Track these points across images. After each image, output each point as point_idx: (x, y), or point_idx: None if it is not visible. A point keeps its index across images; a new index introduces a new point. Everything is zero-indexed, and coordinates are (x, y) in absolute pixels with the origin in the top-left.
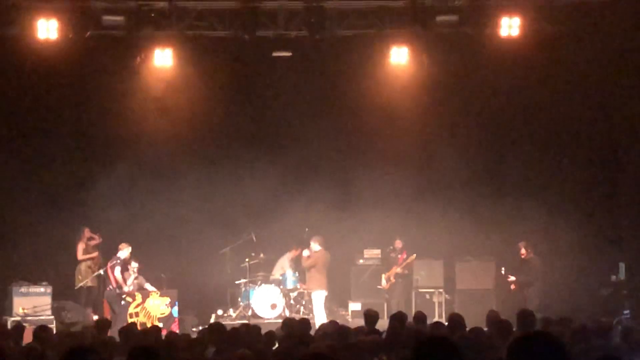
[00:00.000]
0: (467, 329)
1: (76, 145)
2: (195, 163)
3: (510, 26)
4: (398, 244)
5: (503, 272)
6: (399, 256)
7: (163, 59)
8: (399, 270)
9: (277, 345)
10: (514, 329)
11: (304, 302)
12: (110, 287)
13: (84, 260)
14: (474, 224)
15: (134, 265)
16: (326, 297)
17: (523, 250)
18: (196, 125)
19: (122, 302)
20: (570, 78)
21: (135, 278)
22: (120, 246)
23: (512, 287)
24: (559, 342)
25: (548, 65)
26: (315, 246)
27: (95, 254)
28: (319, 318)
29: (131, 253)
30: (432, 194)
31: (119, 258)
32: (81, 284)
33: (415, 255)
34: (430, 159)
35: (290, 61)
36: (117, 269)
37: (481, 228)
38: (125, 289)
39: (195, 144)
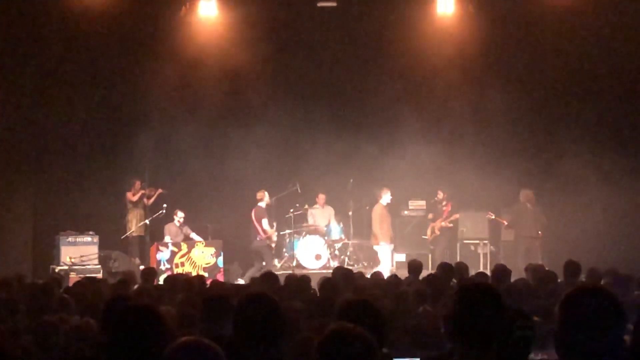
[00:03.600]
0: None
1: (122, 95)
2: (240, 113)
3: None
4: (440, 195)
5: (493, 217)
6: (444, 208)
7: (208, 9)
8: (443, 223)
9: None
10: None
11: (348, 253)
12: (259, 237)
13: (134, 203)
14: (522, 176)
15: (180, 215)
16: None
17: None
18: (241, 76)
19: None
20: (629, 32)
21: (181, 227)
22: (259, 195)
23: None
24: (613, 297)
25: (601, 14)
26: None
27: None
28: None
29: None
30: (479, 145)
31: (261, 208)
32: (127, 234)
33: (458, 215)
34: (477, 110)
35: (335, 11)
36: (265, 221)
37: (531, 180)
38: (275, 237)
39: (240, 94)
